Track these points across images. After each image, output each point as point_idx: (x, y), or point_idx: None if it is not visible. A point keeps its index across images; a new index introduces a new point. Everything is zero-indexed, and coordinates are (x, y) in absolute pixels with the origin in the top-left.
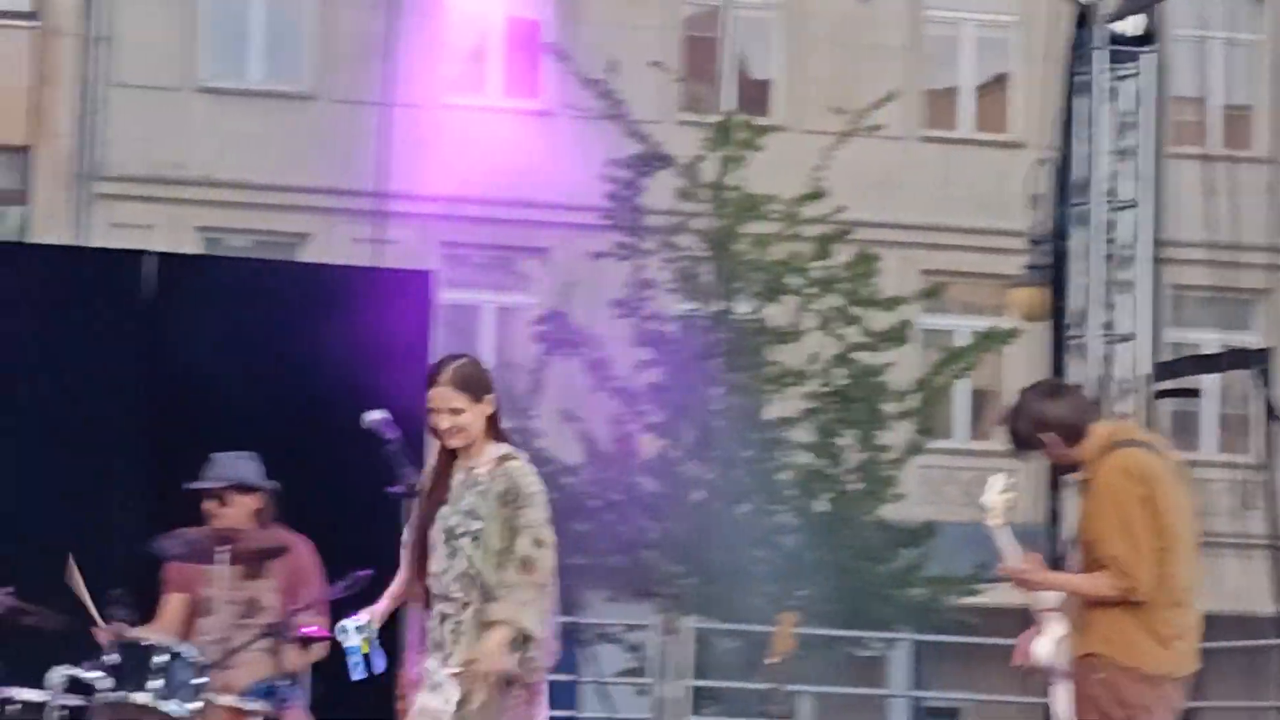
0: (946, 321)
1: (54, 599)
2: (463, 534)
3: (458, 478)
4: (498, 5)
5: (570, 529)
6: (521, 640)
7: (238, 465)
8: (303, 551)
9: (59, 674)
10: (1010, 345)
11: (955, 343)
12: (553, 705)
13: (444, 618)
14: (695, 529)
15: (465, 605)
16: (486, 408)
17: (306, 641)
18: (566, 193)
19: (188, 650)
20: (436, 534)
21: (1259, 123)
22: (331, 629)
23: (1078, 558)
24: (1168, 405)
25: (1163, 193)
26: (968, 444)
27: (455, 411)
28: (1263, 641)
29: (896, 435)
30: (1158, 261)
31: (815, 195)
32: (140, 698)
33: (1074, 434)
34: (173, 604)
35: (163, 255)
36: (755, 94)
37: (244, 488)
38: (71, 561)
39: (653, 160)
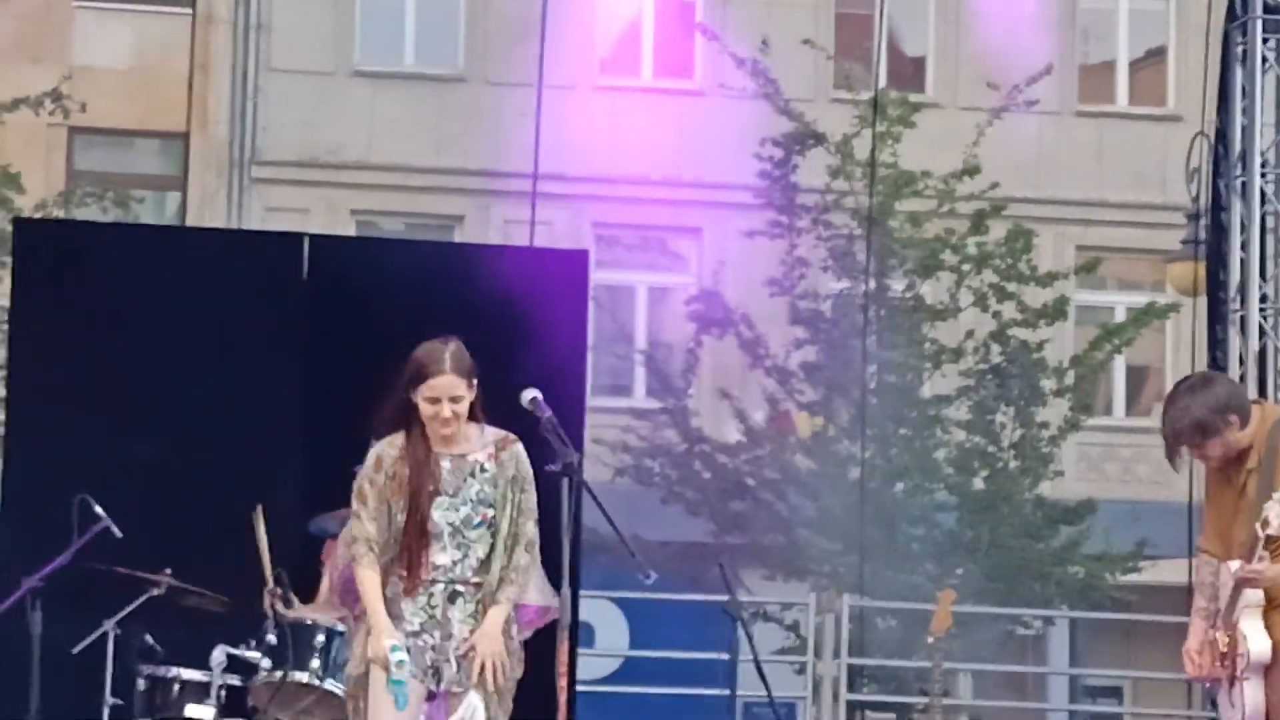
0: (1103, 297)
1: (214, 580)
2: (479, 524)
3: (445, 465)
4: None
5: (727, 508)
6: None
7: None
8: None
9: (221, 653)
10: (1168, 320)
11: (1112, 319)
12: (710, 684)
13: (454, 596)
14: (852, 507)
15: (479, 586)
16: (474, 390)
17: None
18: (719, 172)
19: (347, 629)
20: (438, 526)
21: None
22: None
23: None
24: None
25: None
26: (1125, 420)
27: (456, 400)
28: None
29: (1054, 412)
30: None
31: (970, 171)
32: (300, 676)
33: (1246, 415)
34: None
35: (319, 238)
36: (908, 70)
37: None
38: (258, 511)
39: (805, 138)
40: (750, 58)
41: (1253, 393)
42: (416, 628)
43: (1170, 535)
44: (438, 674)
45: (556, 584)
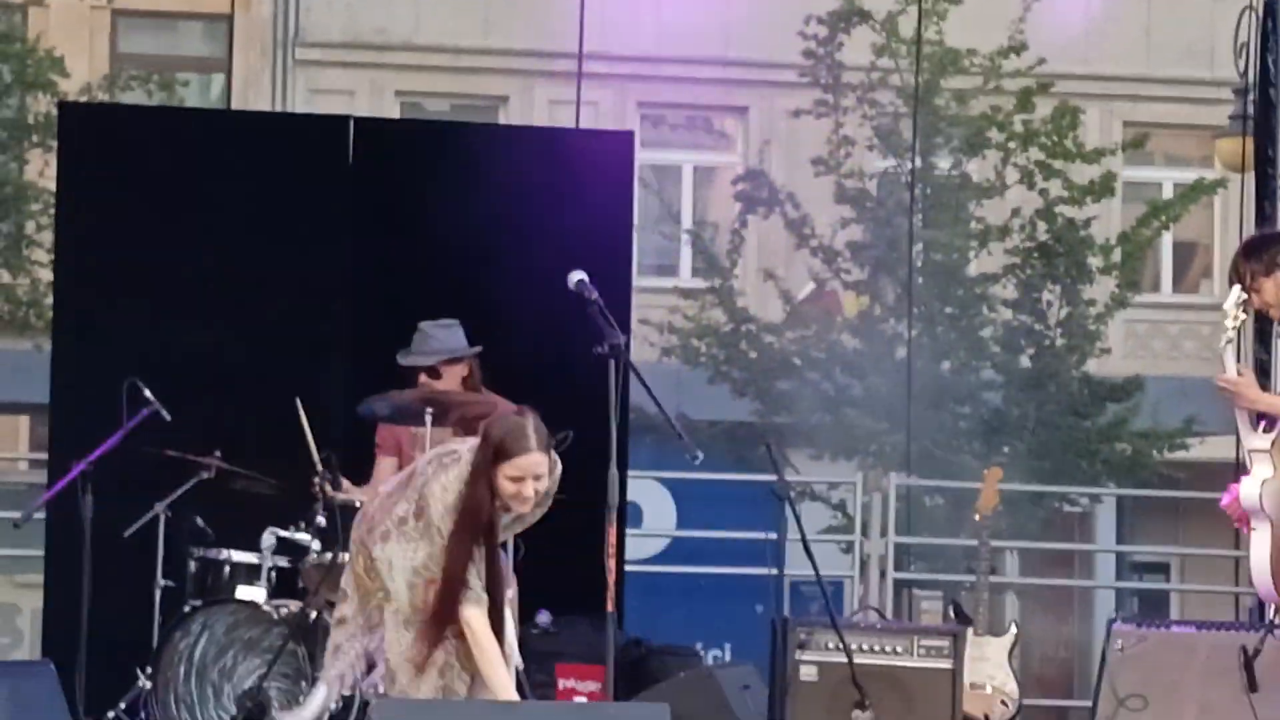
0: (1151, 174)
1: (262, 464)
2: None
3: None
4: None
5: (773, 388)
6: None
7: (445, 338)
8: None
9: (270, 535)
10: (1215, 196)
11: (1160, 195)
12: (757, 563)
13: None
14: (898, 386)
15: None
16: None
17: None
18: (765, 50)
19: None
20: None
21: None
22: None
23: None
24: None
25: None
26: (1173, 297)
27: (539, 478)
28: None
29: (1101, 289)
30: None
31: (1016, 48)
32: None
33: None
34: (383, 467)
35: (364, 121)
36: None
37: (453, 359)
38: (298, 403)
39: (851, 16)
40: None
41: None
42: None
43: (1218, 412)
44: None
45: (605, 465)
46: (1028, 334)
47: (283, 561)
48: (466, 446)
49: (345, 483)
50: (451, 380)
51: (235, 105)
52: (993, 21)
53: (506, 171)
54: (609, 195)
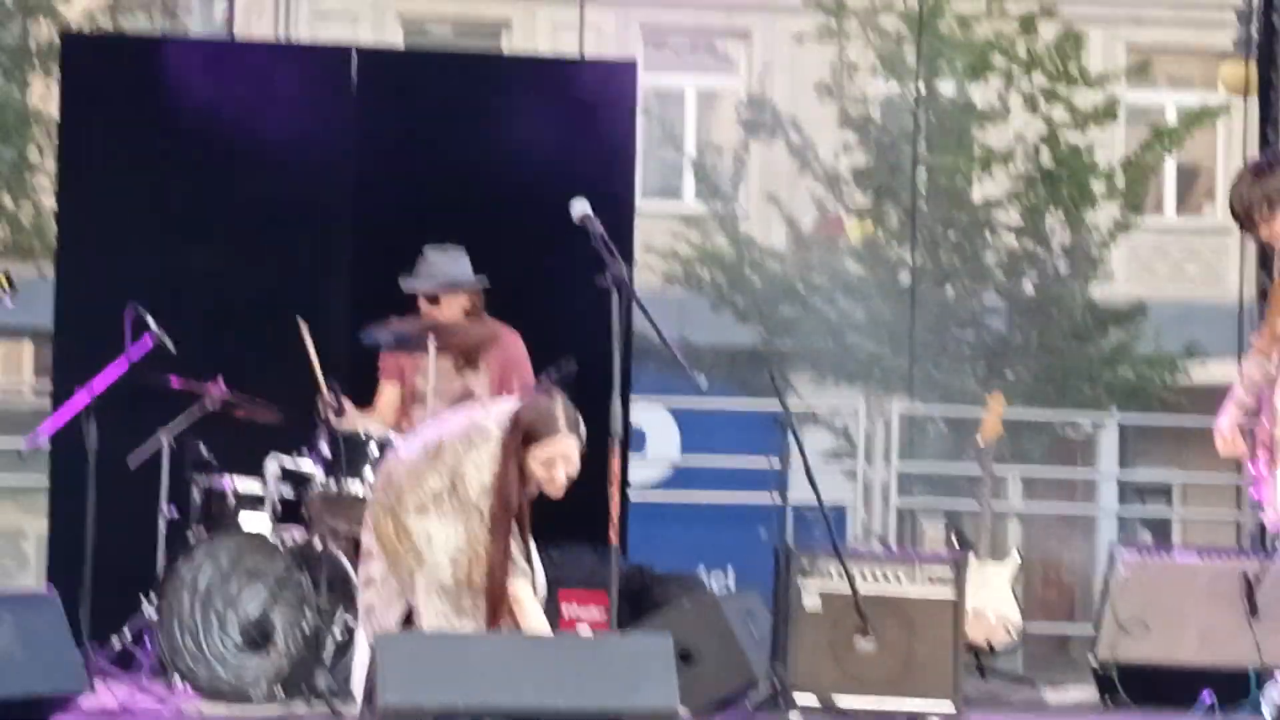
0: (1154, 98)
1: (266, 391)
2: None
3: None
4: None
5: (777, 313)
6: None
7: (449, 265)
8: (511, 342)
9: (274, 463)
10: (1219, 121)
11: (1164, 119)
12: (760, 487)
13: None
14: (901, 311)
15: None
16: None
17: None
18: None
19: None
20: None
21: None
22: None
23: None
24: None
25: None
26: (1176, 220)
27: (569, 461)
28: None
29: (1104, 215)
30: None
31: None
32: (354, 487)
33: None
34: (386, 394)
35: (367, 51)
36: None
37: (456, 286)
38: (301, 322)
39: None
40: None
41: None
42: None
43: (1220, 335)
44: None
45: (608, 394)
46: (1031, 259)
47: (288, 492)
48: (494, 421)
49: (349, 405)
50: (454, 309)
51: (238, 30)
52: None
53: (510, 102)
54: (612, 125)
